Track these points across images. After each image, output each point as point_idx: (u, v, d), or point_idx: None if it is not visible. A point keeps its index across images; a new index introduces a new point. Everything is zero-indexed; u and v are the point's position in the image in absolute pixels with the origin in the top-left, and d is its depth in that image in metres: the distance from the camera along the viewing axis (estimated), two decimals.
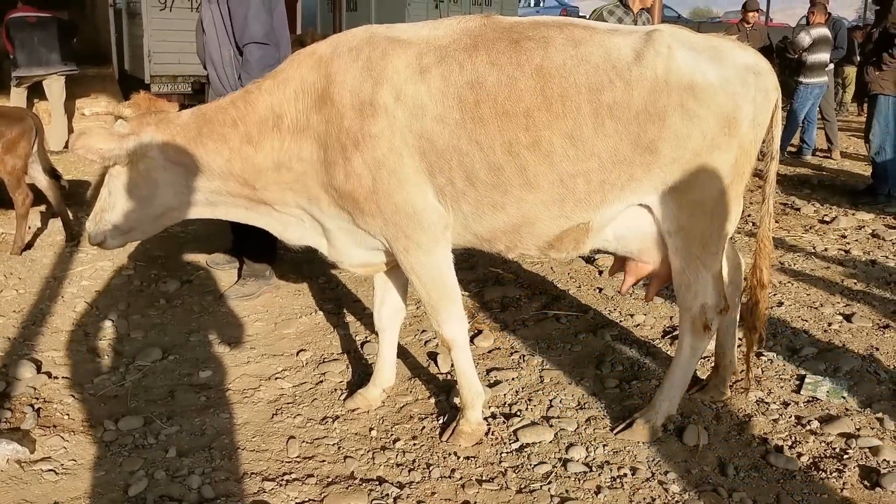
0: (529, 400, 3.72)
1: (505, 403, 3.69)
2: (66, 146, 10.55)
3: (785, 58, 10.44)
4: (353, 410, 3.61)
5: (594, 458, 3.24)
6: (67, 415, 3.56)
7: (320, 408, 3.65)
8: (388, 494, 2.99)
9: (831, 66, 10.93)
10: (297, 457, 3.24)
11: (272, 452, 3.27)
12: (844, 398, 3.76)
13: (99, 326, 4.56)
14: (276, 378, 3.96)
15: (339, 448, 3.31)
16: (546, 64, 2.98)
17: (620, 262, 3.51)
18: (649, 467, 3.18)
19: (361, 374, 4.00)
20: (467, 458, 3.24)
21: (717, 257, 3.24)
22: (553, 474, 3.13)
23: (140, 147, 3.16)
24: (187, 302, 5.01)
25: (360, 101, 3.00)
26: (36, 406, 3.60)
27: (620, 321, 4.71)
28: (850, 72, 15.03)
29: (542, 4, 30.49)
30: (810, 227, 7.13)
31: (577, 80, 2.96)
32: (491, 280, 5.46)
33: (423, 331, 4.52)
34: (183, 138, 3.19)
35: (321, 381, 3.91)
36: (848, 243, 6.54)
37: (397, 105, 2.99)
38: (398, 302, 3.70)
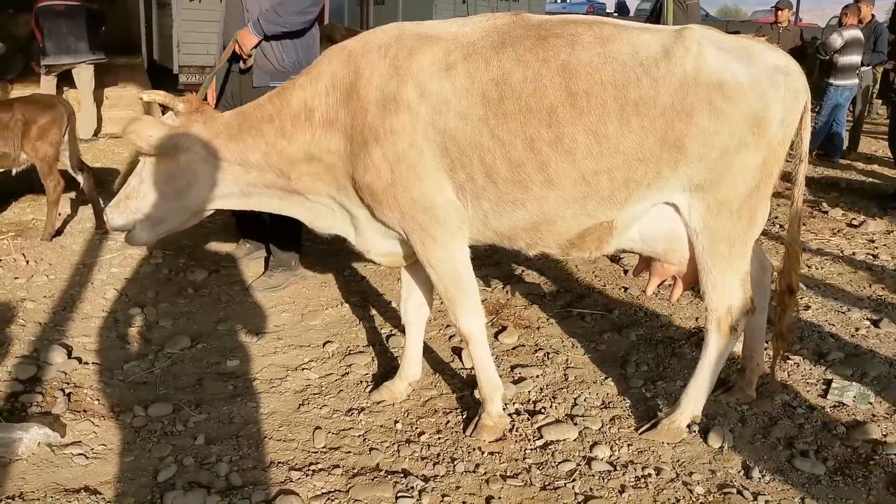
0: (554, 398, 3.73)
1: (529, 400, 3.70)
2: (95, 134, 10.67)
3: (816, 59, 10.33)
4: (379, 403, 3.64)
5: (618, 458, 3.25)
6: (98, 400, 3.62)
7: (346, 399, 3.69)
8: (412, 487, 3.01)
9: (867, 68, 10.78)
10: (324, 447, 3.28)
11: (299, 442, 3.31)
12: (871, 404, 3.74)
13: (128, 313, 4.62)
14: (303, 369, 4.00)
15: (364, 440, 3.34)
16: (572, 61, 3.00)
17: (645, 263, 3.51)
18: (673, 468, 3.18)
19: (387, 366, 4.03)
20: (492, 453, 3.25)
21: (745, 258, 3.22)
22: (577, 472, 3.14)
23: (186, 140, 3.28)
24: (215, 291, 5.06)
25: (384, 97, 3.07)
26: (67, 391, 3.66)
27: (646, 321, 4.70)
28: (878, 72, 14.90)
29: (568, 0, 30.34)
30: (838, 231, 7.06)
31: (604, 76, 2.97)
32: (516, 277, 5.46)
33: (448, 326, 4.53)
34: (226, 134, 3.31)
35: (347, 373, 3.95)
36: (876, 248, 6.47)
37: (421, 102, 3.04)
38: (424, 296, 3.72)
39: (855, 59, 10.12)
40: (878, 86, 15.18)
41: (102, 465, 3.13)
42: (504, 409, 3.47)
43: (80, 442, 3.26)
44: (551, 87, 2.98)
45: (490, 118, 3.01)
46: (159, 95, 3.48)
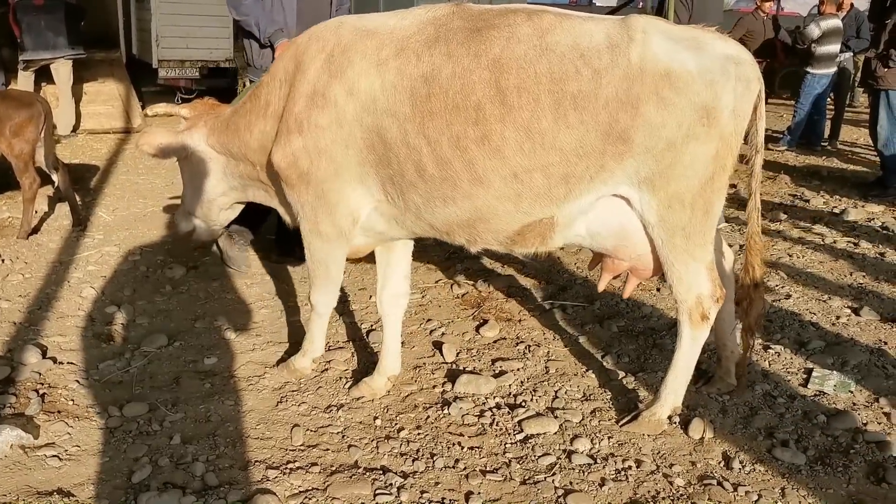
0: (535, 391, 3.70)
1: (510, 394, 3.68)
2: (73, 130, 10.56)
3: (794, 47, 10.35)
4: (358, 399, 3.60)
5: (599, 450, 3.23)
6: (72, 400, 3.56)
7: (325, 396, 3.64)
8: (391, 484, 2.98)
9: (847, 55, 10.77)
10: (302, 445, 3.23)
11: (276, 440, 3.27)
12: (852, 392, 3.74)
13: (105, 312, 4.55)
14: (277, 364, 3.94)
15: (343, 437, 3.30)
16: (505, 55, 2.93)
17: (599, 258, 3.45)
18: (654, 460, 3.17)
19: (366, 362, 3.99)
20: (471, 448, 3.23)
21: (706, 248, 3.16)
22: (557, 466, 3.12)
23: (191, 141, 3.68)
24: (193, 288, 5.00)
25: (314, 91, 3.16)
26: (41, 391, 3.59)
27: (627, 312, 4.69)
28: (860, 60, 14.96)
29: None
30: (819, 219, 7.07)
31: (538, 70, 2.90)
32: (496, 270, 5.44)
33: (429, 320, 4.50)
34: (218, 130, 3.65)
35: (326, 369, 3.90)
36: (857, 236, 6.49)
37: (349, 100, 3.08)
38: (399, 286, 3.72)
39: (833, 48, 10.11)
40: (859, 74, 15.27)
41: (76, 466, 3.08)
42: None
43: (53, 443, 3.20)
44: (480, 83, 2.92)
45: (416, 116, 2.98)
46: (161, 108, 3.83)
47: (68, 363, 3.92)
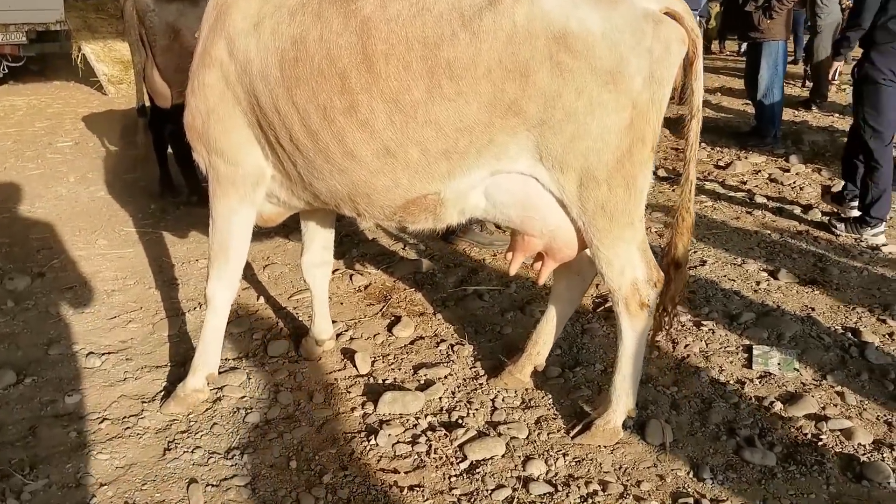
0: (469, 402, 3.24)
1: (442, 409, 3.19)
2: None
3: None
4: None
5: (556, 473, 2.81)
6: None
7: (223, 435, 3.02)
8: None
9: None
10: None
11: None
12: (797, 371, 3.53)
13: None
14: (163, 398, 3.28)
15: (253, 491, 2.70)
16: (376, 16, 2.62)
17: (513, 237, 3.04)
18: (619, 479, 2.79)
19: (267, 383, 3.39)
20: (411, 487, 2.72)
21: (635, 226, 2.79)
22: (515, 500, 2.67)
23: None
24: (42, 302, 4.16)
25: (204, 50, 2.99)
26: None
27: (546, 294, 4.27)
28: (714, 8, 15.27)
29: None
30: (708, 174, 6.98)
31: (410, 33, 2.57)
32: (398, 252, 4.91)
33: (332, 321, 3.92)
34: None
35: (219, 398, 3.25)
36: (749, 189, 6.42)
37: (230, 60, 2.90)
38: (317, 256, 3.58)
39: None
40: (713, 21, 15.62)
41: None
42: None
43: None
44: (346, 48, 2.64)
45: (285, 81, 2.76)
46: None
47: None
